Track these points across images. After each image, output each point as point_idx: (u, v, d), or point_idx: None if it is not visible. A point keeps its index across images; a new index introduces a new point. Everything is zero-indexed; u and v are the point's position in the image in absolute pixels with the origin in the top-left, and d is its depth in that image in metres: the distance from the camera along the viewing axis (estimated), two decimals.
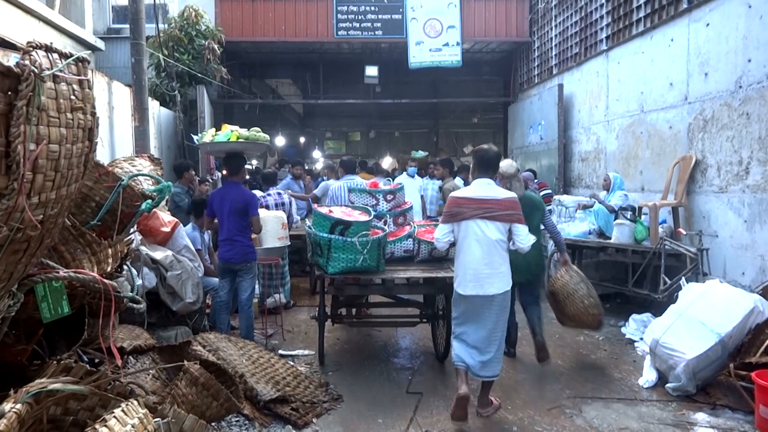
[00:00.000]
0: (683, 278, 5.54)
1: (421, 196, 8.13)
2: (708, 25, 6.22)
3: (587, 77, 9.32)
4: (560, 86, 9.91)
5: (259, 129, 5.72)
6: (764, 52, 5.43)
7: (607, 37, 8.61)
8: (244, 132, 5.55)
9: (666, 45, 7.04)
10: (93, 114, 2.22)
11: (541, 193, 9.04)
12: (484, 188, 4.07)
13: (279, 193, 7.55)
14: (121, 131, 7.44)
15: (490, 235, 3.94)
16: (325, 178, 8.98)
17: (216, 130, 5.74)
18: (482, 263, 3.93)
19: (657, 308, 5.85)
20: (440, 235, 4.14)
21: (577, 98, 9.68)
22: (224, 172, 6.56)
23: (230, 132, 5.50)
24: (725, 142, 5.95)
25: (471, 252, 3.96)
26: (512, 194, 4.17)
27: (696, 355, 4.36)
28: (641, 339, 5.68)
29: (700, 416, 4.16)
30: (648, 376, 4.81)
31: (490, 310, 3.97)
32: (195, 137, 6.08)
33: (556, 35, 10.60)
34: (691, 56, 6.53)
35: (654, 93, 7.30)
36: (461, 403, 3.88)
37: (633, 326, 6.12)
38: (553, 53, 10.74)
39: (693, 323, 4.54)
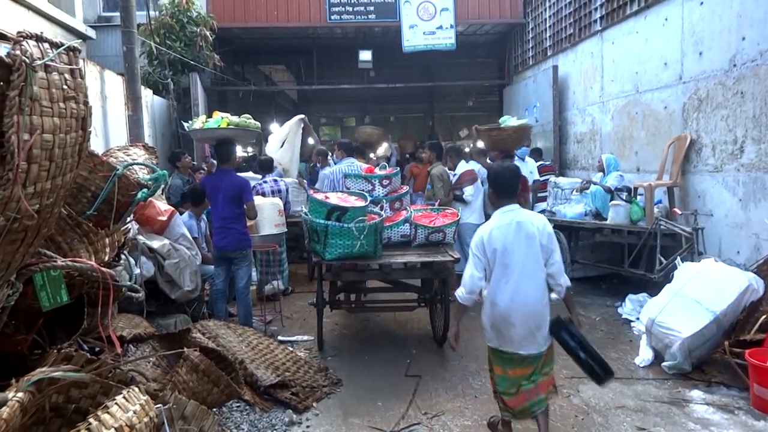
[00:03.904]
0: (679, 258, 5.57)
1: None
2: (702, 3, 6.20)
3: (582, 58, 9.28)
4: (555, 68, 9.87)
5: (249, 116, 5.70)
6: (758, 29, 5.41)
7: (602, 18, 8.56)
8: (234, 119, 5.53)
9: (660, 24, 7.01)
10: (86, 103, 2.20)
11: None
12: (474, 164, 7.23)
13: (275, 180, 7.54)
14: (115, 120, 7.40)
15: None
16: (318, 165, 8.83)
17: (207, 118, 5.72)
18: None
19: (653, 288, 5.89)
20: (471, 191, 6.91)
21: (572, 79, 9.65)
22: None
23: (220, 119, 5.48)
24: (720, 121, 5.95)
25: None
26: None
27: (691, 334, 4.40)
28: (637, 319, 5.73)
29: (696, 393, 4.22)
30: (644, 354, 4.86)
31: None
32: (186, 124, 6.06)
33: (550, 16, 10.53)
34: (685, 35, 6.51)
35: (649, 73, 7.28)
36: None
37: (629, 306, 6.17)
38: (548, 34, 10.68)
39: (688, 302, 4.58)
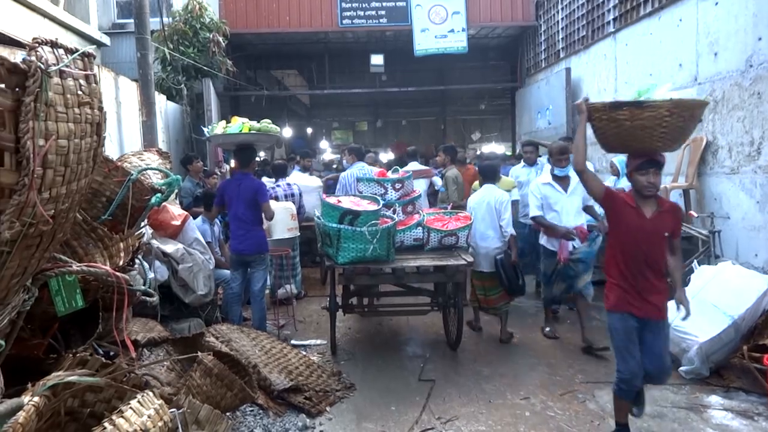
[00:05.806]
0: (695, 261, 5.50)
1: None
2: (717, 3, 6.13)
3: (595, 60, 9.22)
4: (568, 70, 9.81)
5: (269, 120, 5.76)
6: None
7: (615, 19, 8.50)
8: (255, 123, 5.59)
9: (674, 25, 6.94)
10: (100, 109, 2.22)
11: None
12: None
13: (288, 185, 7.56)
14: (129, 126, 7.47)
15: None
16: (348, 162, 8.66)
17: (226, 123, 5.76)
18: None
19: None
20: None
21: (585, 82, 9.58)
22: (233, 164, 6.56)
23: (242, 124, 5.53)
24: (736, 122, 5.87)
25: None
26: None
27: (709, 338, 4.34)
28: None
29: (714, 399, 4.16)
30: None
31: None
32: (205, 130, 6.09)
33: (562, 18, 10.48)
34: (700, 36, 6.44)
35: (663, 74, 7.21)
36: None
37: None
38: (560, 36, 10.63)
39: (706, 306, 4.52)
